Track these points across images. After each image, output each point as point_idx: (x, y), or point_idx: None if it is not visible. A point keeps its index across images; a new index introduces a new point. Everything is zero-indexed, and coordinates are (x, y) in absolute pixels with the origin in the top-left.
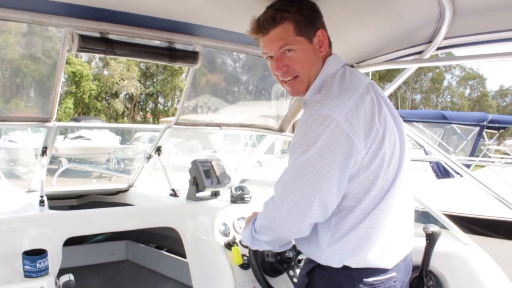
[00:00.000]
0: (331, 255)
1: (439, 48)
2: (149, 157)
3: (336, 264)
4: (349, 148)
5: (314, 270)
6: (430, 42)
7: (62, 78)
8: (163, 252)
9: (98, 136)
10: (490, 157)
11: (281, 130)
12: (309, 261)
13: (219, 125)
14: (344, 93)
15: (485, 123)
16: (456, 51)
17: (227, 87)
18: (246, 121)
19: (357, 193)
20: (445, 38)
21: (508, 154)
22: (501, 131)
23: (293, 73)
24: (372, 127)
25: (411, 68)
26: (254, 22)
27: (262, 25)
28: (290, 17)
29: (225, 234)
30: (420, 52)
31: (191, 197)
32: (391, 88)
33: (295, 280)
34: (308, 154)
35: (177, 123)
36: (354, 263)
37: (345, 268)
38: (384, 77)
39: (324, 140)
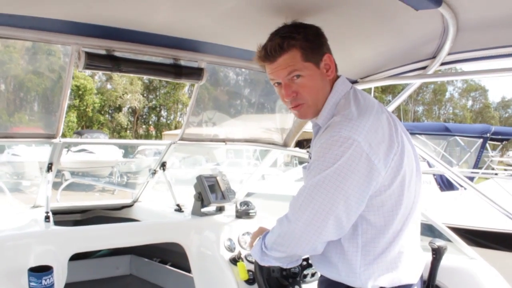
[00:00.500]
0: (367, 278)
1: (443, 64)
2: (154, 173)
3: (372, 286)
4: (368, 168)
5: None
6: (434, 57)
7: (68, 95)
8: (167, 266)
9: (101, 149)
10: (493, 168)
11: (285, 145)
12: (332, 283)
13: (223, 140)
14: (362, 114)
15: (488, 135)
16: (460, 66)
17: (231, 102)
18: (250, 136)
19: (383, 212)
20: (449, 54)
21: (511, 165)
22: (504, 142)
23: (301, 100)
24: (392, 146)
25: (415, 83)
26: (260, 50)
27: (270, 53)
28: (297, 44)
29: (231, 249)
30: (424, 68)
31: (196, 212)
32: (395, 103)
33: None
34: (326, 173)
35: (182, 139)
36: (388, 283)
37: None
38: (387, 89)
39: (343, 161)
